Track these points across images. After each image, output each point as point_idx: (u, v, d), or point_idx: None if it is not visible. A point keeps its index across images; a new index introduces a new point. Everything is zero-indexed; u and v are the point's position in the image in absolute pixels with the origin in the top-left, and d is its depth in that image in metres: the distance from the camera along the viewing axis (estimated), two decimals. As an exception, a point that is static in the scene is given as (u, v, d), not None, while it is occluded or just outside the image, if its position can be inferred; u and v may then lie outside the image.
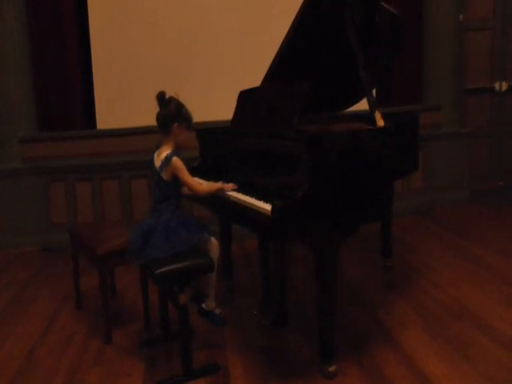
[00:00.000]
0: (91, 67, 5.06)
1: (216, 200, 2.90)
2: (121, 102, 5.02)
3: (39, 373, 2.76)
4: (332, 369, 2.56)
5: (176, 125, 2.73)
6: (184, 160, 2.73)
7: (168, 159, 2.67)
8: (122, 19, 5.00)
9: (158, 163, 2.74)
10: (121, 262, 3.08)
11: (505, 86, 5.84)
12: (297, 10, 2.99)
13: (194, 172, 3.23)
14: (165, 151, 2.73)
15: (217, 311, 2.91)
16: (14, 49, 4.80)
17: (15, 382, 2.69)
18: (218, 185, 2.81)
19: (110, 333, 3.06)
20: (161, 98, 2.75)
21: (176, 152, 2.72)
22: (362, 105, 3.41)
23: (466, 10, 5.60)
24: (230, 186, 2.81)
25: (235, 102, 3.38)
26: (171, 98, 2.75)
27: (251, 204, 2.54)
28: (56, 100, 5.07)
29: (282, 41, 3.09)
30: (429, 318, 3.10)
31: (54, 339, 3.13)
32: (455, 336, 2.88)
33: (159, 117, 2.77)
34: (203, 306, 2.89)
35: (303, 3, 2.98)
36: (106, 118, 5.07)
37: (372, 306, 3.32)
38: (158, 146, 2.81)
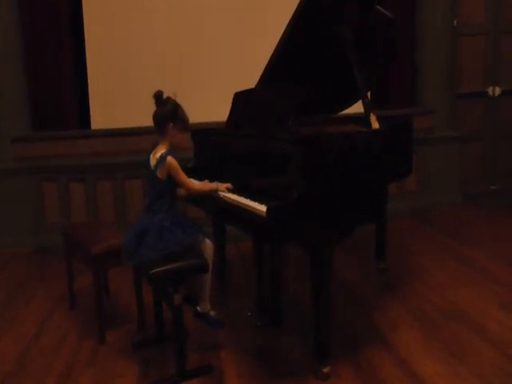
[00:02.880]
0: (86, 67, 5.04)
1: (210, 201, 2.90)
2: (115, 102, 5.00)
3: (32, 374, 2.74)
4: (326, 370, 2.56)
5: (171, 125, 2.74)
6: (179, 160, 2.73)
7: (163, 158, 2.68)
8: (117, 18, 4.98)
9: (153, 162, 2.74)
10: (115, 263, 3.07)
11: (498, 91, 5.87)
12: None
13: (188, 173, 3.22)
14: (160, 151, 2.73)
15: (212, 313, 2.89)
16: (7, 48, 4.77)
17: (7, 383, 2.66)
18: (213, 184, 2.82)
19: (104, 333, 3.05)
20: (158, 97, 2.75)
21: (171, 152, 2.72)
22: (357, 108, 3.44)
23: (460, 15, 5.62)
24: (226, 186, 2.80)
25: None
26: (168, 98, 2.75)
27: (246, 205, 2.54)
28: (50, 100, 5.03)
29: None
30: (424, 320, 3.11)
31: (48, 340, 3.11)
32: (450, 338, 2.89)
33: (155, 116, 2.77)
34: (198, 308, 2.87)
35: (300, 2, 2.98)
36: (101, 118, 5.05)
37: (368, 308, 3.32)
38: (154, 146, 2.82)
